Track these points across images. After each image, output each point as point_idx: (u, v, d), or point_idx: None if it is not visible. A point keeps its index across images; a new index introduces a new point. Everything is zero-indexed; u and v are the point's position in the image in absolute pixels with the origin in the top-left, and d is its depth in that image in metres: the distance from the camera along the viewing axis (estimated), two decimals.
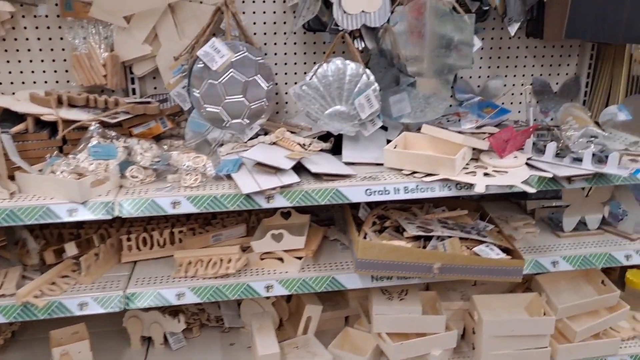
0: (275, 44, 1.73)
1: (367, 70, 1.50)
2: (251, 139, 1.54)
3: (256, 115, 1.49)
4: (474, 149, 1.51)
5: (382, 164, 1.50)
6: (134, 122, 1.50)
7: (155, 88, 1.69)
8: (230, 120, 1.46)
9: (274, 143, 1.53)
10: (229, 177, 1.40)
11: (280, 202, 1.36)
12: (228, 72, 1.42)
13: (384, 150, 1.48)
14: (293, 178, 1.38)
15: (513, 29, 1.53)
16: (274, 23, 1.71)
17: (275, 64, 1.75)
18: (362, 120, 1.53)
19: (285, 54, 1.75)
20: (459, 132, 1.50)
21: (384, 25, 1.54)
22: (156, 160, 1.42)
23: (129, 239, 1.56)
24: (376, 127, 1.57)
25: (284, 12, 1.70)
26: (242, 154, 1.44)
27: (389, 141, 1.62)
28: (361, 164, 1.53)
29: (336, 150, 1.59)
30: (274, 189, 1.34)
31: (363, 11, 1.50)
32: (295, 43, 1.74)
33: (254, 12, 1.69)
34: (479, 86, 1.88)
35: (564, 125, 1.59)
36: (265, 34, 1.72)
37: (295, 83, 1.77)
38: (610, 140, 1.54)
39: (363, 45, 1.59)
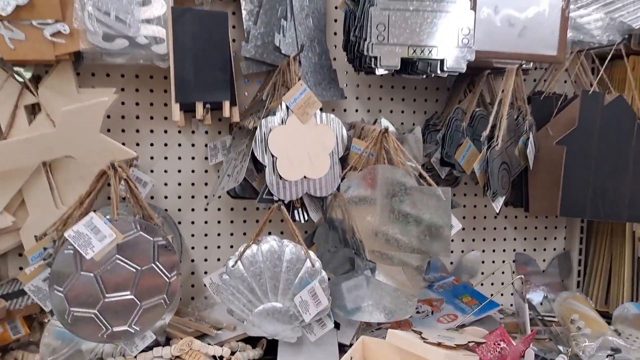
0: (192, 209, 1.33)
1: (312, 254, 1.11)
2: (145, 350, 1.08)
3: (151, 318, 1.04)
4: None
5: None
6: None
7: (21, 269, 1.23)
8: (111, 328, 1.01)
9: (177, 357, 1.07)
10: None
11: None
12: (111, 260, 1.00)
13: None
14: None
15: (498, 204, 1.20)
16: (192, 184, 1.33)
17: (192, 235, 1.34)
18: (305, 323, 1.11)
19: (206, 222, 1.35)
20: (436, 342, 1.09)
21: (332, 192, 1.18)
22: None
23: None
24: (326, 330, 1.14)
25: (206, 170, 1.33)
26: None
27: (341, 346, 1.19)
28: None
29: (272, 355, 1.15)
30: None
31: (305, 177, 1.14)
32: (219, 209, 1.35)
33: (165, 171, 1.30)
34: (452, 263, 1.51)
35: (569, 326, 1.21)
36: (180, 197, 1.32)
37: (219, 260, 1.36)
38: (633, 351, 1.15)
39: (306, 217, 1.22)
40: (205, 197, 1.34)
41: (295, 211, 1.20)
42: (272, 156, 1.11)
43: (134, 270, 1.02)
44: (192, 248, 1.35)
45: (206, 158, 1.31)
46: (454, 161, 1.23)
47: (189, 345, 1.07)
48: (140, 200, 1.06)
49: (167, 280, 1.05)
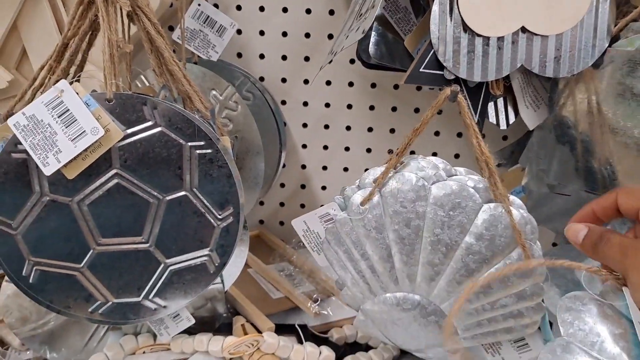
0: (305, 81, 0.77)
1: (527, 217, 0.50)
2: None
3: (187, 287, 0.56)
4: None
5: None
6: None
7: None
8: (110, 299, 0.55)
9: None
10: None
11: None
12: (104, 178, 0.50)
13: None
14: None
15: None
16: (307, 35, 0.75)
17: (304, 125, 0.80)
18: None
19: (328, 105, 0.79)
20: None
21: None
22: None
23: None
24: (525, 354, 0.55)
25: (331, 10, 0.74)
26: None
27: None
28: None
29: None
30: None
31: (525, 30, 0.49)
32: (351, 84, 0.77)
33: (261, 9, 0.74)
34: None
35: None
36: (285, 57, 0.76)
37: (346, 170, 0.82)
38: None
39: (511, 119, 0.58)
40: (331, 62, 0.76)
41: (493, 104, 0.57)
42: None
43: (150, 199, 0.52)
44: (303, 147, 0.81)
45: None
46: None
47: (255, 345, 0.58)
48: (168, 59, 0.52)
49: (215, 223, 0.54)
